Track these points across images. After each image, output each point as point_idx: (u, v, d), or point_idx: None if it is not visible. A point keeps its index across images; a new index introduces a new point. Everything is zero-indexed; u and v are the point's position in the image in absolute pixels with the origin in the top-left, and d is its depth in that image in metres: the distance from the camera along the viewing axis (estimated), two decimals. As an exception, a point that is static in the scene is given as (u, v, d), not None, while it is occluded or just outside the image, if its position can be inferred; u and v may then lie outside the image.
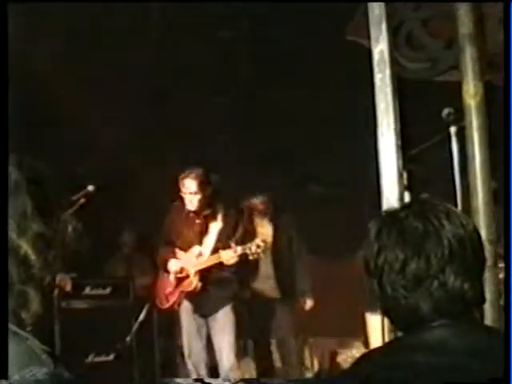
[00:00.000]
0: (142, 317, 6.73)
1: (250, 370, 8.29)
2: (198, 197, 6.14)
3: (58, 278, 6.49)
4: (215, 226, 6.23)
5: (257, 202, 7.17)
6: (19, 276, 1.49)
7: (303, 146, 7.92)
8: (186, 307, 6.34)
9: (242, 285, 7.07)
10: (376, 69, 3.16)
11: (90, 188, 5.90)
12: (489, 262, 3.37)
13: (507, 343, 1.56)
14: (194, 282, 6.16)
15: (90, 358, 6.96)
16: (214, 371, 6.44)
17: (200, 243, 6.21)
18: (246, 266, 6.67)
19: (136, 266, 8.37)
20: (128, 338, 6.91)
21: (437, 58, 4.60)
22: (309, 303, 7.21)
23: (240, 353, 7.95)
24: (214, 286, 6.21)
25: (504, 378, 1.54)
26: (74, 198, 5.77)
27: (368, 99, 3.32)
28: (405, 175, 4.30)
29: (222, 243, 6.13)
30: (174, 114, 7.67)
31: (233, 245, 5.99)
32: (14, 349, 1.43)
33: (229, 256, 5.98)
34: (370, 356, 1.77)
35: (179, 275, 6.23)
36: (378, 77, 3.18)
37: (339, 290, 7.82)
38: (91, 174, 6.73)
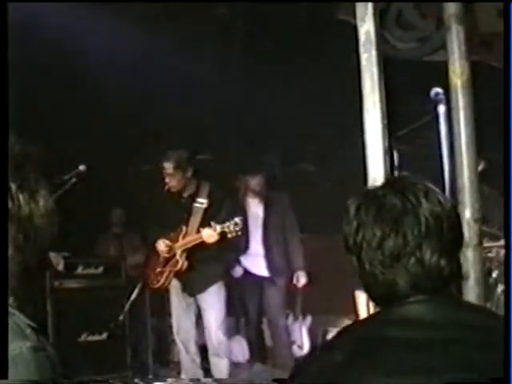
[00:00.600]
0: (134, 296, 6.78)
1: (243, 348, 8.36)
2: (177, 178, 6.29)
3: (51, 256, 6.55)
4: (200, 206, 6.33)
5: (251, 181, 7.21)
6: None
7: (293, 124, 7.94)
8: (174, 286, 6.45)
9: (233, 263, 7.16)
10: (362, 49, 3.17)
11: (82, 168, 5.93)
12: (474, 241, 3.42)
13: (507, 343, 1.59)
14: (179, 262, 6.28)
15: (83, 337, 6.98)
16: (203, 349, 6.52)
17: (186, 223, 6.30)
18: (237, 244, 6.75)
19: (126, 244, 8.42)
20: (121, 317, 6.96)
21: (426, 38, 4.61)
22: (302, 280, 7.28)
23: (231, 331, 8.03)
24: (200, 265, 6.31)
25: (504, 379, 1.56)
26: (66, 177, 5.79)
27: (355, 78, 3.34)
28: (395, 155, 4.34)
29: (206, 222, 6.22)
30: (168, 94, 7.68)
31: (213, 223, 6.07)
32: None
33: (209, 234, 6.07)
34: (352, 329, 1.81)
35: (166, 255, 6.34)
36: (364, 56, 3.20)
37: (330, 269, 7.86)
38: (81, 154, 6.74)
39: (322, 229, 7.98)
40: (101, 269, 7.37)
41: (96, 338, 7.06)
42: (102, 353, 6.94)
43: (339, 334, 1.72)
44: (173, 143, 6.73)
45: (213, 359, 6.44)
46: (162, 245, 6.34)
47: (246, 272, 7.28)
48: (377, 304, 1.73)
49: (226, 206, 6.37)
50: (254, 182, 7.23)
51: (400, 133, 4.48)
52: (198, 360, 6.51)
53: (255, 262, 7.25)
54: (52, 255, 6.57)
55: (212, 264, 6.33)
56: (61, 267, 6.93)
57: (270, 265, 7.23)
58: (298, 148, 8.34)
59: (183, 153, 6.39)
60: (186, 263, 6.29)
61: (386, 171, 3.20)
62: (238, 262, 7.24)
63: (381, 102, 3.18)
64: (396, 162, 4.44)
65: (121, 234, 8.60)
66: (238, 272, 7.25)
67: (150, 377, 7.10)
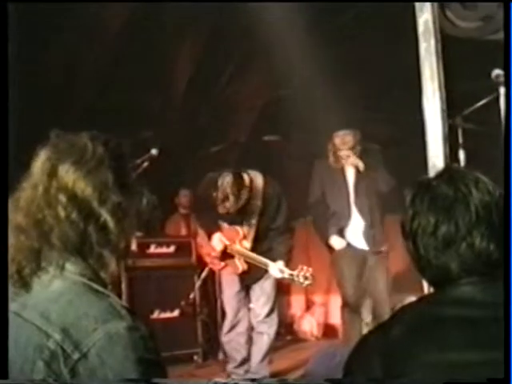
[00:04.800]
0: (204, 274, 6.88)
1: (312, 325, 8.51)
2: (234, 199, 5.70)
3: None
4: (256, 205, 5.89)
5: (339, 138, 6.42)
6: (98, 240, 1.70)
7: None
8: (230, 275, 6.16)
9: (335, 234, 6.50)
10: (421, 38, 3.26)
11: (154, 152, 5.94)
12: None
13: (507, 343, 1.66)
14: (239, 266, 6.00)
15: (156, 314, 7.21)
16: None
17: (241, 221, 5.96)
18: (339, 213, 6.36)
19: (193, 224, 8.61)
20: (191, 295, 7.13)
21: (489, 16, 4.61)
22: None
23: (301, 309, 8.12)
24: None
25: (504, 379, 1.62)
26: (138, 161, 5.90)
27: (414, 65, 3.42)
28: (460, 133, 4.41)
29: (263, 227, 5.89)
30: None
31: (281, 265, 5.71)
32: (98, 305, 1.61)
33: (275, 273, 5.75)
34: (409, 308, 1.96)
35: (220, 250, 6.04)
36: (423, 46, 3.28)
37: (396, 248, 7.89)
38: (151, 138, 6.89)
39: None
40: (172, 248, 7.56)
41: (168, 315, 7.28)
42: (173, 329, 7.13)
43: (397, 312, 1.87)
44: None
45: (255, 336, 6.14)
46: (216, 241, 6.01)
47: (349, 245, 6.47)
48: (431, 286, 1.88)
49: (282, 210, 5.90)
50: (338, 140, 6.41)
51: (465, 112, 4.55)
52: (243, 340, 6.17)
53: (357, 233, 6.48)
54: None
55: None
56: (134, 247, 7.10)
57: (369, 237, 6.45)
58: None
59: (235, 173, 5.73)
60: (245, 266, 5.96)
61: (445, 157, 3.28)
62: (341, 234, 6.46)
63: (440, 90, 3.27)
64: (460, 140, 4.53)
65: (188, 215, 8.81)
66: (339, 244, 6.48)
67: (221, 358, 7.12)
